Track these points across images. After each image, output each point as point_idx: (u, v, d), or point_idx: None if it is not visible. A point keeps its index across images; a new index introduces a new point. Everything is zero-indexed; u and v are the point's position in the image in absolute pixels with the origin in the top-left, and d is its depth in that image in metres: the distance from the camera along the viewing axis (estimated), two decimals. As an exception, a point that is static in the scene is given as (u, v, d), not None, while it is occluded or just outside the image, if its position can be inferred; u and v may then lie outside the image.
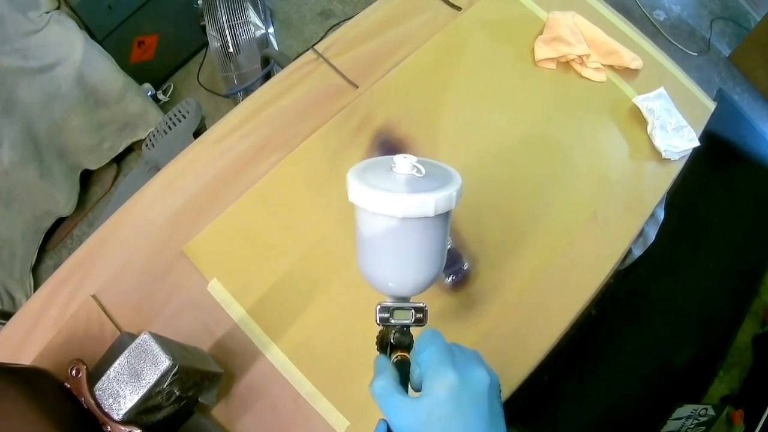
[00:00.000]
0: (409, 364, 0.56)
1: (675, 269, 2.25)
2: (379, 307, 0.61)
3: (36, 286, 2.02)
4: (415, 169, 0.60)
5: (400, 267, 0.61)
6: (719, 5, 3.08)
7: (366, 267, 0.64)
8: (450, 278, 1.02)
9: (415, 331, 0.60)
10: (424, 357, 0.52)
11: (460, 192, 0.59)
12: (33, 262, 2.04)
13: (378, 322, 0.61)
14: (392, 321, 0.61)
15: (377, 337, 0.64)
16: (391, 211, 0.55)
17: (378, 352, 0.62)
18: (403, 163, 0.60)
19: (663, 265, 2.17)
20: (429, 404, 0.48)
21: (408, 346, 0.59)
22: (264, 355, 0.93)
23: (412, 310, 0.61)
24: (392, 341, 0.59)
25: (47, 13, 1.79)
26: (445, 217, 0.59)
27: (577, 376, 1.97)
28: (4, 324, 0.96)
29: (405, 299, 0.63)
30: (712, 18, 3.01)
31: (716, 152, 2.48)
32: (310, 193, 1.06)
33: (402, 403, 0.50)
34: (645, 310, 2.16)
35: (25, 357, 0.90)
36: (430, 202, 0.55)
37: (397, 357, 0.58)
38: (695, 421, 1.91)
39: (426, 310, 0.61)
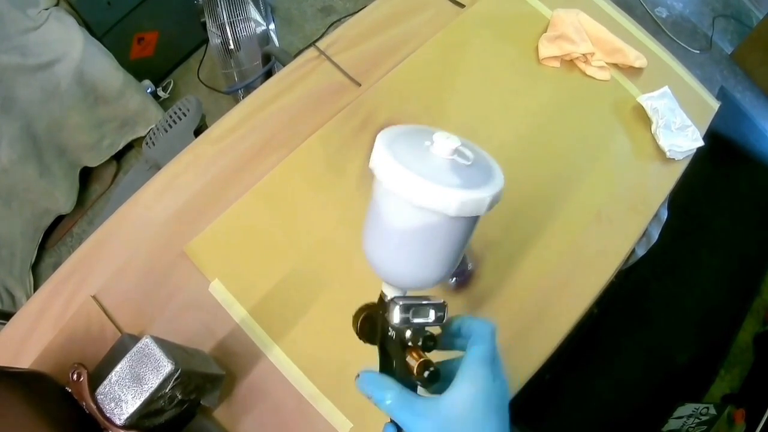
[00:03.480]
0: (434, 369, 0.51)
1: (676, 268, 2.24)
2: (398, 306, 0.54)
3: (36, 284, 2.02)
4: (457, 154, 0.52)
5: (426, 263, 0.55)
6: (721, 3, 3.08)
7: (383, 258, 0.56)
8: (454, 279, 1.01)
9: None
10: (477, 350, 0.52)
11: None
12: (33, 260, 2.04)
13: (396, 322, 0.54)
14: (413, 321, 0.54)
15: (363, 322, 0.60)
16: (442, 209, 0.48)
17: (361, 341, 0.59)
18: (445, 144, 0.51)
19: (665, 264, 2.17)
20: (462, 399, 0.48)
21: (431, 348, 0.53)
22: (266, 356, 0.93)
23: (432, 309, 0.55)
24: (409, 343, 0.54)
25: (46, 9, 1.79)
26: None
27: (579, 374, 1.97)
28: (4, 324, 0.96)
29: (420, 295, 0.57)
30: (714, 15, 3.00)
31: (718, 150, 2.47)
32: (312, 192, 1.05)
33: (425, 405, 0.49)
34: (647, 308, 2.16)
35: (25, 358, 0.89)
36: (485, 201, 0.49)
37: (421, 362, 0.52)
38: (696, 420, 1.91)
39: (446, 308, 0.56)
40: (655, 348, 2.10)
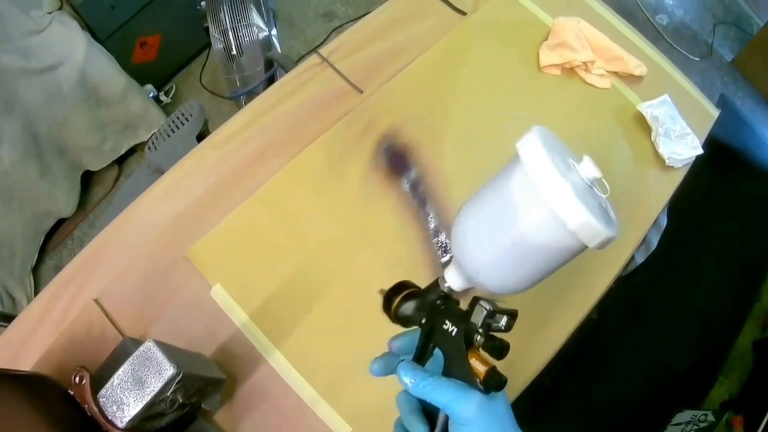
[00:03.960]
0: (504, 378, 0.52)
1: (676, 274, 2.25)
2: (487, 310, 0.53)
3: (36, 287, 2.02)
4: (596, 185, 0.52)
5: (525, 277, 0.54)
6: (722, 9, 3.09)
7: (478, 249, 0.54)
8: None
9: None
10: None
11: None
12: (33, 263, 2.04)
13: (478, 325, 0.53)
14: (493, 325, 0.54)
15: (394, 303, 0.59)
16: (590, 241, 0.48)
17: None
18: (592, 170, 0.50)
19: (664, 270, 2.17)
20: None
21: (504, 357, 0.53)
22: (266, 360, 0.93)
23: (506, 316, 0.54)
24: (480, 348, 0.53)
25: (49, 13, 1.79)
26: None
27: (578, 380, 1.97)
28: (5, 327, 0.96)
29: (489, 298, 0.56)
30: (715, 22, 3.01)
31: (718, 157, 2.47)
32: (313, 197, 1.06)
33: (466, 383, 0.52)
34: (646, 314, 2.17)
35: (26, 361, 0.90)
36: (614, 238, 0.49)
37: (491, 370, 0.52)
38: (695, 427, 1.91)
39: (516, 316, 0.55)
40: (654, 354, 2.10)
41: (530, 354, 1.00)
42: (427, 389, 0.52)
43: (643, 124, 1.23)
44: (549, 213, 0.48)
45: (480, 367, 0.52)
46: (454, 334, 0.54)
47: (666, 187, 1.20)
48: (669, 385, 2.06)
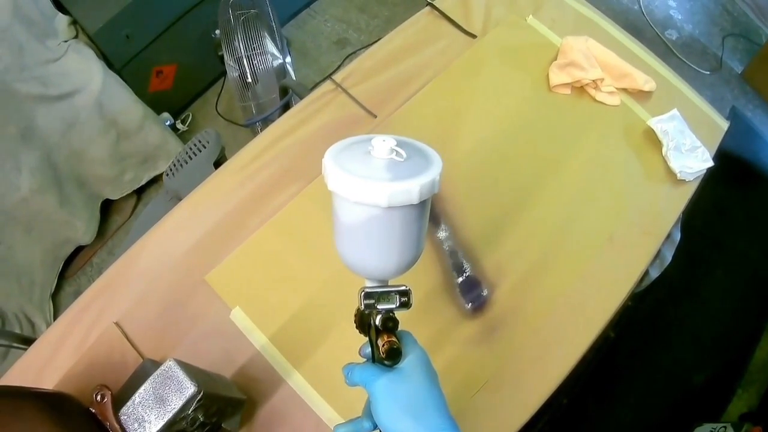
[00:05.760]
0: (399, 349, 0.58)
1: (692, 289, 2.23)
2: (363, 293, 0.61)
3: (55, 313, 2.04)
4: (394, 153, 0.58)
5: (384, 253, 0.60)
6: (730, 22, 3.08)
7: (347, 253, 0.62)
8: (470, 305, 1.03)
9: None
10: (408, 335, 0.63)
11: (441, 174, 0.58)
12: (53, 289, 2.06)
13: (363, 308, 0.61)
14: (378, 306, 0.61)
15: (356, 318, 0.66)
16: (375, 201, 0.54)
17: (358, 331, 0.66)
18: (382, 146, 0.58)
19: (680, 285, 2.15)
20: (417, 357, 0.60)
21: (393, 329, 0.60)
22: (286, 381, 0.94)
23: (397, 295, 0.61)
24: (379, 326, 0.60)
25: (65, 42, 1.82)
26: (428, 200, 0.58)
27: (596, 398, 1.96)
28: (24, 349, 0.98)
29: (394, 284, 0.63)
30: (724, 35, 3.00)
31: (730, 170, 2.46)
32: (329, 222, 1.07)
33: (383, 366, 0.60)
34: (663, 330, 2.14)
35: (47, 383, 0.92)
36: (414, 190, 0.54)
37: (385, 343, 0.58)
38: (714, 440, 1.89)
39: (410, 293, 0.62)
40: (673, 369, 2.08)
41: (546, 372, 1.00)
42: (352, 377, 0.61)
43: (653, 139, 1.24)
44: (337, 196, 0.57)
45: (381, 344, 0.59)
46: (372, 325, 0.61)
47: (678, 201, 1.20)
48: (688, 399, 2.04)
